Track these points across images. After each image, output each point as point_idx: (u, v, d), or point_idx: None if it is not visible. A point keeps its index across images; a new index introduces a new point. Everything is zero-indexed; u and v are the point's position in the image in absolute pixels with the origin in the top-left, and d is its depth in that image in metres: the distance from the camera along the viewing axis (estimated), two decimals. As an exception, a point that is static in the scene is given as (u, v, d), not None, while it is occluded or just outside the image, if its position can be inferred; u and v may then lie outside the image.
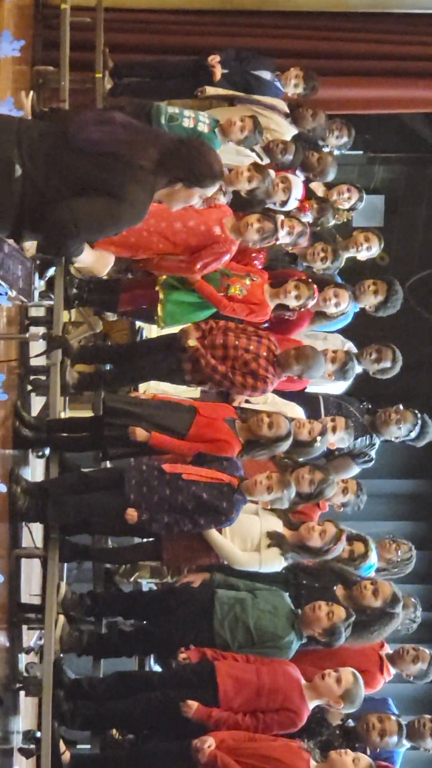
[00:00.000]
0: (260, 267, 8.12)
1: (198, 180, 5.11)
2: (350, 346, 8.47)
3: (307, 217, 8.42)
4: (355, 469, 8.23)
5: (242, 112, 8.47)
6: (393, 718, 6.82)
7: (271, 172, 8.07)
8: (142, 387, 8.07)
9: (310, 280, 7.87)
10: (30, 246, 7.27)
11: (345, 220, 9.13)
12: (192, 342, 7.38)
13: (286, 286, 7.73)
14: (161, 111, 8.15)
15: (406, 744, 6.93)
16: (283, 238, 8.02)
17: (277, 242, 8.02)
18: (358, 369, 8.17)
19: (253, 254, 8.12)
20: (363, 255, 8.73)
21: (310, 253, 8.32)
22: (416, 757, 7.76)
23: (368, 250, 8.72)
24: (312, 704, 6.40)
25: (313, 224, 8.47)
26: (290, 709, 6.33)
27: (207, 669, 6.44)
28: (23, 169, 4.77)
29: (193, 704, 6.28)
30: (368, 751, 6.66)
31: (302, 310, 7.88)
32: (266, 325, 7.94)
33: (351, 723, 6.89)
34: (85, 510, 6.81)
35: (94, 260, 5.46)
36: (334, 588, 7.01)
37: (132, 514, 6.64)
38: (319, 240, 8.48)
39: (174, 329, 7.78)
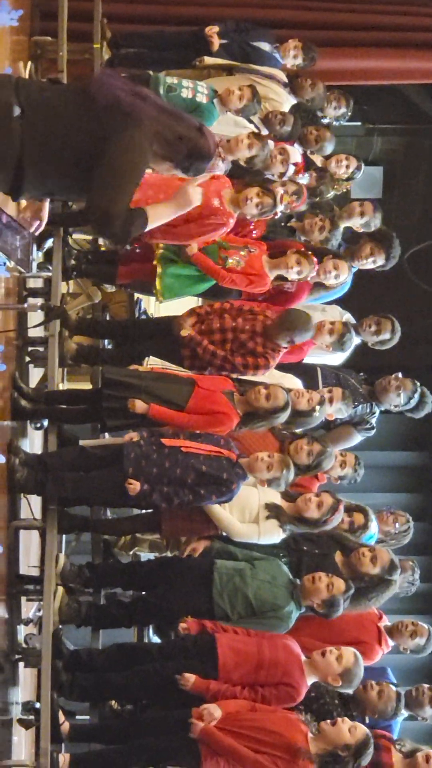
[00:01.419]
0: (257, 237, 8.09)
1: (186, 171, 5.11)
2: (348, 317, 8.47)
3: (304, 179, 8.40)
4: (357, 438, 8.22)
5: (240, 81, 8.45)
6: (392, 686, 6.84)
7: (270, 143, 8.05)
8: (141, 358, 8.06)
9: (309, 252, 7.84)
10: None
11: (344, 190, 9.11)
12: (185, 332, 7.36)
13: (288, 261, 7.70)
14: (160, 81, 8.11)
15: (404, 713, 6.95)
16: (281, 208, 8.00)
17: (276, 217, 8.00)
18: (357, 340, 8.17)
19: (252, 227, 8.09)
20: (358, 223, 8.69)
21: (309, 224, 8.29)
22: (412, 727, 7.77)
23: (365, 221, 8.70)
24: (310, 680, 6.41)
25: (311, 194, 8.45)
26: (289, 684, 6.33)
27: (207, 641, 6.43)
28: (21, 111, 4.73)
29: (191, 677, 6.28)
30: (366, 720, 6.68)
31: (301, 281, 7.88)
32: (262, 298, 7.93)
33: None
34: (84, 487, 6.79)
35: (181, 203, 5.26)
36: (334, 555, 7.03)
37: (134, 483, 6.63)
38: (317, 210, 8.46)
39: (173, 310, 7.75)
